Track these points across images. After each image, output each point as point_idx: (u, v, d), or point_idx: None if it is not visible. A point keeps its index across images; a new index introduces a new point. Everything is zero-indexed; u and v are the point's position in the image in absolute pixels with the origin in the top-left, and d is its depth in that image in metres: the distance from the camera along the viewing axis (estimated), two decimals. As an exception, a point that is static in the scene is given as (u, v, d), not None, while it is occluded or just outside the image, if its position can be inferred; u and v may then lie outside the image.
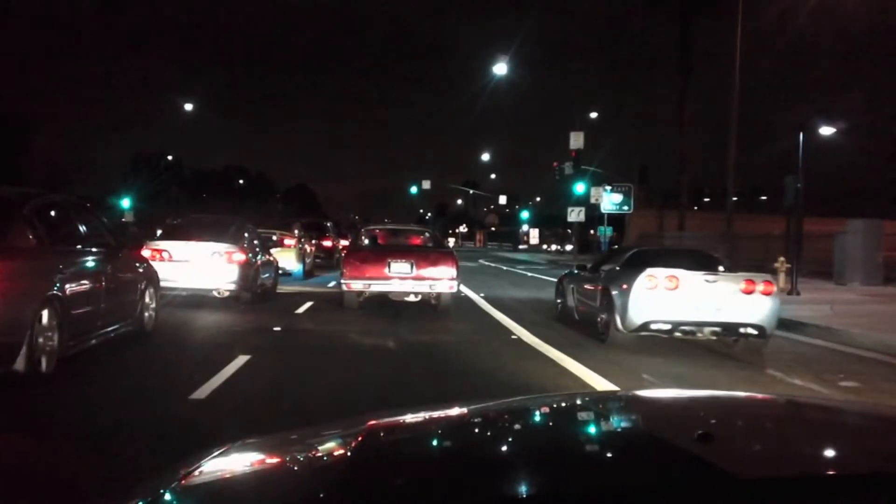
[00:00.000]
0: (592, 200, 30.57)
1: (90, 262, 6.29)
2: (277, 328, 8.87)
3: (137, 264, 7.62)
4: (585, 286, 9.35)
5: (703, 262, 8.59)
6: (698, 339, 7.82)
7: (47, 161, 57.27)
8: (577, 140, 31.55)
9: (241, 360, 6.28)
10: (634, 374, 6.60)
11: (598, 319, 8.39)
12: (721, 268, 8.52)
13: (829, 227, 20.59)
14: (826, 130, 16.14)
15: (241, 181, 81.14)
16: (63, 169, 56.25)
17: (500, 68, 27.94)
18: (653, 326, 7.57)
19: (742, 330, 7.60)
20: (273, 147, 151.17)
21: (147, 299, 7.54)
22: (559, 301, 10.70)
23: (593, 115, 36.06)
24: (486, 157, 58.14)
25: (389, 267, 10.25)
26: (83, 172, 53.71)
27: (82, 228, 6.42)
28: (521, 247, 64.96)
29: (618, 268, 8.72)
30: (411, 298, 10.71)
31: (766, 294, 7.64)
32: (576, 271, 10.38)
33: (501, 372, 6.51)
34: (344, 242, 23.61)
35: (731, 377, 6.77)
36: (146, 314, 7.52)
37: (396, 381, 6.00)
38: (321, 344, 7.93)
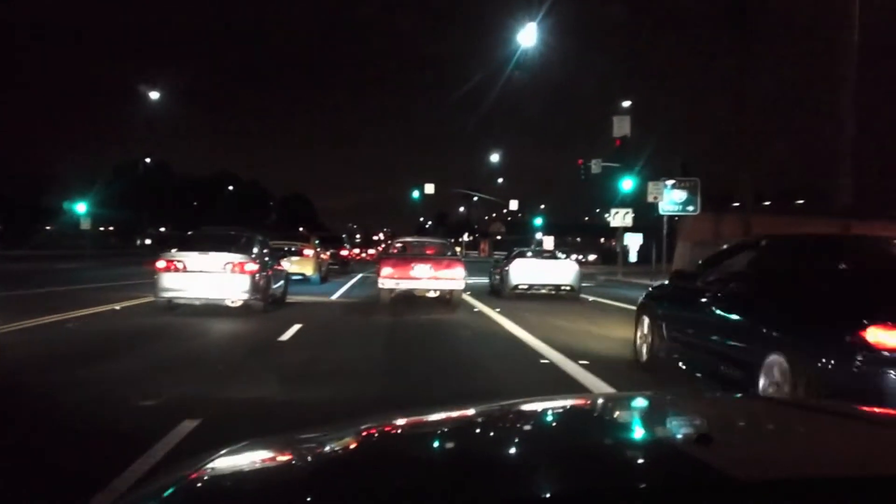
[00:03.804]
0: (650, 199, 26.56)
1: None
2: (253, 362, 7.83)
3: None
4: (497, 270, 19.44)
5: (549, 254, 20.82)
6: (541, 292, 17.41)
7: (30, 168, 57.27)
8: (621, 126, 26.97)
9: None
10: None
11: (499, 286, 18.35)
12: (558, 256, 19.95)
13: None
14: None
15: (230, 187, 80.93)
16: (46, 176, 55.98)
17: (528, 36, 22.59)
18: (520, 287, 17.40)
19: (563, 288, 17.44)
20: (273, 157, 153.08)
21: None
22: (490, 282, 20.69)
23: (626, 103, 31.17)
24: (495, 157, 57.32)
25: (414, 269, 14.16)
26: (65, 179, 53.06)
27: None
28: (533, 257, 64.11)
29: (508, 259, 18.88)
30: (431, 294, 14.73)
31: (573, 269, 17.83)
32: (495, 264, 21.31)
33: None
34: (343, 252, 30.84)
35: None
36: None
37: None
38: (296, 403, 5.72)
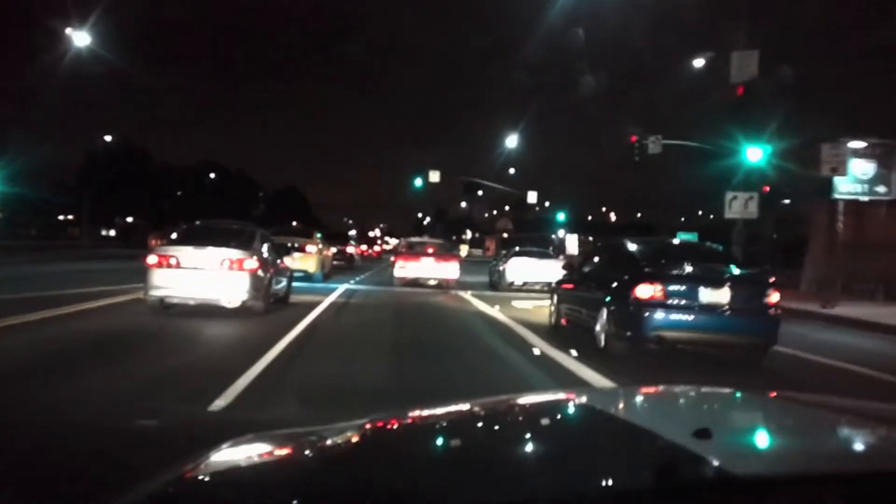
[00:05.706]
0: (824, 171, 18.20)
1: None
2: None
3: None
4: (495, 268, 24.22)
5: (543, 253, 24.26)
6: (535, 288, 21.05)
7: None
8: (745, 64, 19.67)
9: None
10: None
11: (497, 282, 23.08)
12: (551, 255, 24.46)
13: None
14: None
15: (211, 175, 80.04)
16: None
17: None
18: (515, 283, 22.13)
19: (550, 283, 20.72)
20: (269, 151, 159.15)
21: None
22: (489, 279, 24.78)
23: (699, 62, 26.43)
24: (512, 141, 48.97)
25: (421, 262, 21.59)
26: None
27: None
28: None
29: (505, 257, 23.34)
30: (432, 282, 21.36)
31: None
32: (493, 262, 25.54)
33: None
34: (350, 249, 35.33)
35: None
36: None
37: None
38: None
